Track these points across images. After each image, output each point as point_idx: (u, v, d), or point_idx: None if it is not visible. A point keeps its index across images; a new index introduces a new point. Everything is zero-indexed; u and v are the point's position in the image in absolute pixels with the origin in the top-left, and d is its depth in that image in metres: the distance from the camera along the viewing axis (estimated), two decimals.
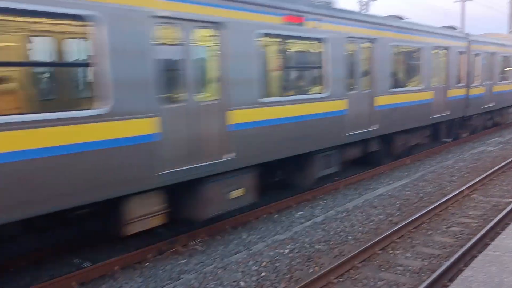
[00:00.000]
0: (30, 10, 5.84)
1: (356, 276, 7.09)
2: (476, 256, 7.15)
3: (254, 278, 7.02)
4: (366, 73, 12.45)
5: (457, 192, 11.14)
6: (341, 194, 11.85)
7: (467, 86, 18.18)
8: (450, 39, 16.93)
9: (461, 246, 7.99)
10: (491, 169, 13.88)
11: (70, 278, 6.94)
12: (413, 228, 9.02)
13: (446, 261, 7.42)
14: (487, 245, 7.90)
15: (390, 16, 14.77)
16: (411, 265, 7.41)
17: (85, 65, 6.89)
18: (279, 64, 9.82)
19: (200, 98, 7.83)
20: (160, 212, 7.54)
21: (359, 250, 7.61)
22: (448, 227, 9.16)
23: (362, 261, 7.56)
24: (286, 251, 7.95)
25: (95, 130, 6.36)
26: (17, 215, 5.80)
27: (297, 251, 7.95)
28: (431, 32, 15.63)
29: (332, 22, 10.86)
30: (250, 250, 8.04)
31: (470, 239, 8.33)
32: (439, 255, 7.79)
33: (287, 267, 7.37)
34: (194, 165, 7.75)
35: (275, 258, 7.69)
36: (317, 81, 10.69)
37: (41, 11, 5.92)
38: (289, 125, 9.62)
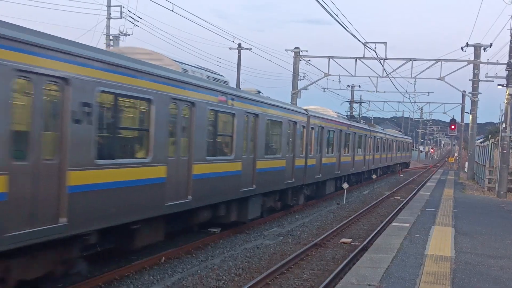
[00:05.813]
0: None
1: None
2: None
3: None
4: None
5: None
6: None
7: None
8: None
9: None
10: (267, 270, 10.74)
11: None
12: None
13: None
14: None
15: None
16: None
17: None
18: (111, 124, 9.25)
19: (41, 156, 7.39)
20: None
21: None
22: None
23: None
24: None
25: None
26: None
27: None
28: None
29: (157, 81, 10.08)
30: None
31: None
32: None
33: None
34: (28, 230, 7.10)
35: None
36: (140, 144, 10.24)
37: None
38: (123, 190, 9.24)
